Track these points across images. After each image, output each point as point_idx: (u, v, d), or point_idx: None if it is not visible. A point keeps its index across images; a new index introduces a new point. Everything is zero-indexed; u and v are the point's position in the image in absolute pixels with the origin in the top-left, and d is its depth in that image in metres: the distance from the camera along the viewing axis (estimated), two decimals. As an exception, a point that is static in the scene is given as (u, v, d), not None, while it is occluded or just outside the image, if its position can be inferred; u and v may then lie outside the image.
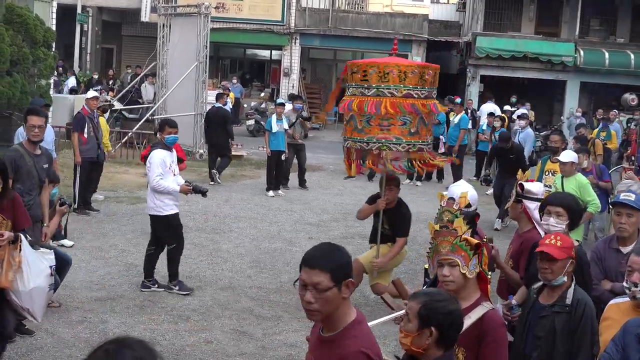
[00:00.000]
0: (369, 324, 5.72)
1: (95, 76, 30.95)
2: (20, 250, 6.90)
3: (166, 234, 10.08)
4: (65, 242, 11.95)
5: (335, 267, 3.63)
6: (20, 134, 11.70)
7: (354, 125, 8.78)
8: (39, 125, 8.14)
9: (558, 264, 5.10)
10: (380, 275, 9.61)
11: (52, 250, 7.51)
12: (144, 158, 11.83)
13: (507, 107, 26.00)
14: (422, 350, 3.86)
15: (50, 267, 7.22)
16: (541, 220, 6.14)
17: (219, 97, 19.76)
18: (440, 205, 5.76)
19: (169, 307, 9.43)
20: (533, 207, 6.53)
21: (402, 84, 8.57)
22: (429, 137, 9.04)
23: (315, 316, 3.70)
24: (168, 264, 10.08)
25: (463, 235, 4.67)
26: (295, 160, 18.54)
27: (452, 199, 5.78)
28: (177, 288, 10.03)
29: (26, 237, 7.10)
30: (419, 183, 20.28)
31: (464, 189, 6.44)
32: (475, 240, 4.68)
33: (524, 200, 6.61)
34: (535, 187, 6.70)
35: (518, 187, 6.65)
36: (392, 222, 9.46)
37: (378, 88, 8.58)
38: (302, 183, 18.59)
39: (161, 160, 9.84)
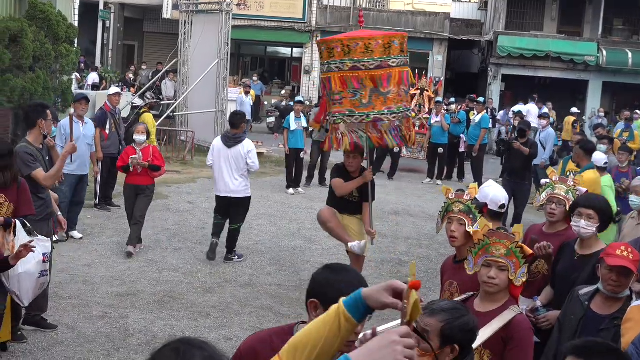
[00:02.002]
0: (386, 326, 5.68)
1: (115, 76, 31.04)
2: (14, 235, 6.98)
3: (244, 212, 11.65)
4: (75, 234, 12.05)
5: None
6: (63, 126, 11.76)
7: (357, 99, 8.64)
8: (52, 118, 8.28)
9: (631, 277, 5.00)
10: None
11: (49, 239, 7.54)
12: (122, 168, 11.76)
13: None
14: None
15: (44, 254, 7.23)
16: (571, 221, 6.04)
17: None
18: (448, 198, 5.74)
19: (189, 304, 9.44)
20: None
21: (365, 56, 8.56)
22: (393, 106, 8.77)
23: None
24: (232, 238, 11.52)
25: (519, 242, 4.62)
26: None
27: (461, 190, 5.75)
28: (237, 257, 11.47)
29: (25, 224, 7.19)
30: (439, 182, 20.22)
31: (495, 190, 6.37)
32: (530, 250, 4.64)
33: None
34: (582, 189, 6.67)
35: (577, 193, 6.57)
36: (361, 189, 9.57)
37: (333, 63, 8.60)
38: (322, 180, 18.57)
39: None
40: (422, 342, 3.77)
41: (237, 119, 11.67)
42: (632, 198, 8.40)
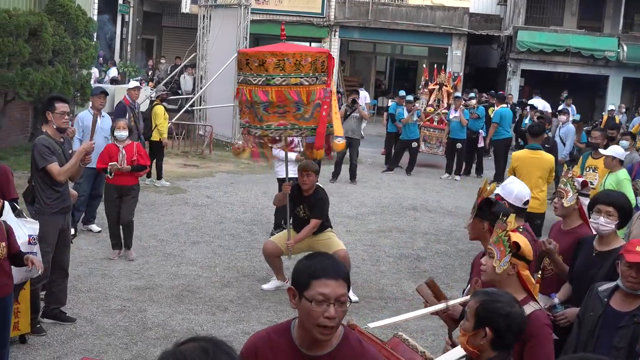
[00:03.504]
0: (407, 316, 5.71)
1: (134, 70, 31.15)
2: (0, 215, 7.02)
3: None
4: (93, 227, 12.12)
5: (348, 275, 3.44)
6: (81, 119, 11.92)
7: (253, 113, 9.01)
8: (67, 112, 8.17)
9: None
10: (335, 243, 9.94)
11: (38, 221, 7.57)
12: (103, 170, 11.00)
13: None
14: (477, 350, 3.83)
15: (30, 236, 7.27)
16: (589, 218, 6.00)
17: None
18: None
19: (207, 298, 9.45)
20: (587, 203, 6.41)
21: (296, 72, 8.80)
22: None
23: (332, 334, 3.38)
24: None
25: (509, 231, 4.61)
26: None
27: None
28: None
29: (15, 207, 7.25)
30: (457, 177, 20.16)
31: (520, 186, 6.33)
32: (514, 240, 4.60)
33: (580, 197, 6.49)
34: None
35: (579, 185, 6.52)
36: (310, 207, 9.86)
37: (270, 77, 8.79)
38: (353, 177, 18.42)
39: None
40: (465, 322, 3.84)
41: None
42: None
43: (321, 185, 10.09)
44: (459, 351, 4.29)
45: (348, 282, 3.40)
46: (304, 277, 3.38)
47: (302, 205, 9.88)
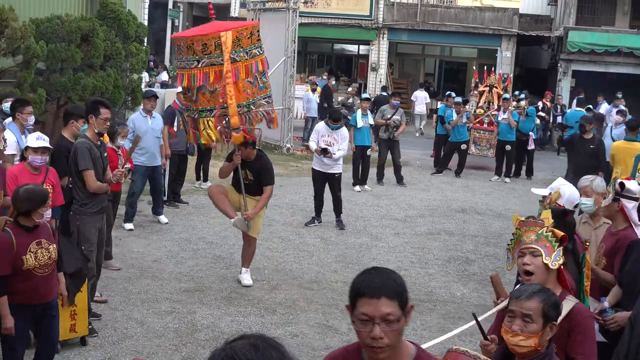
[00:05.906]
0: (481, 318, 5.67)
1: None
2: None
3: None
4: (162, 218, 12.82)
5: (401, 291, 3.20)
6: (132, 120, 12.56)
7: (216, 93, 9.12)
8: (109, 118, 8.35)
9: None
10: (254, 227, 10.07)
11: None
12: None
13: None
14: (542, 346, 3.88)
15: None
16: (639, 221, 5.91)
17: (384, 88, 27.52)
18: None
19: (255, 300, 9.50)
20: (631, 206, 6.31)
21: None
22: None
23: (384, 353, 3.16)
24: (336, 204, 13.80)
25: (549, 227, 4.56)
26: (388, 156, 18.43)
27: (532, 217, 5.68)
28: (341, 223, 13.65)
29: None
30: (507, 180, 19.99)
31: (571, 189, 6.26)
32: (560, 233, 4.56)
33: (621, 199, 6.39)
34: (634, 186, 6.45)
35: (618, 186, 6.43)
36: (256, 174, 10.03)
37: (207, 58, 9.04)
38: (399, 180, 18.36)
39: None
40: (526, 325, 3.84)
41: (336, 114, 14.39)
42: (584, 201, 7.59)
43: (263, 151, 10.41)
44: None
45: (400, 297, 3.19)
46: (352, 296, 3.28)
47: (245, 170, 10.03)
